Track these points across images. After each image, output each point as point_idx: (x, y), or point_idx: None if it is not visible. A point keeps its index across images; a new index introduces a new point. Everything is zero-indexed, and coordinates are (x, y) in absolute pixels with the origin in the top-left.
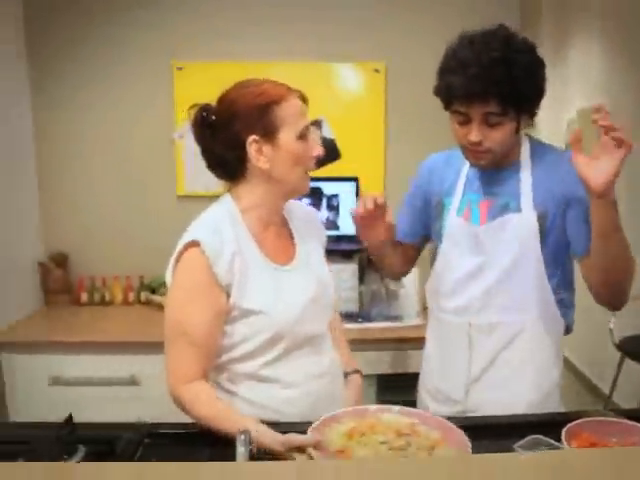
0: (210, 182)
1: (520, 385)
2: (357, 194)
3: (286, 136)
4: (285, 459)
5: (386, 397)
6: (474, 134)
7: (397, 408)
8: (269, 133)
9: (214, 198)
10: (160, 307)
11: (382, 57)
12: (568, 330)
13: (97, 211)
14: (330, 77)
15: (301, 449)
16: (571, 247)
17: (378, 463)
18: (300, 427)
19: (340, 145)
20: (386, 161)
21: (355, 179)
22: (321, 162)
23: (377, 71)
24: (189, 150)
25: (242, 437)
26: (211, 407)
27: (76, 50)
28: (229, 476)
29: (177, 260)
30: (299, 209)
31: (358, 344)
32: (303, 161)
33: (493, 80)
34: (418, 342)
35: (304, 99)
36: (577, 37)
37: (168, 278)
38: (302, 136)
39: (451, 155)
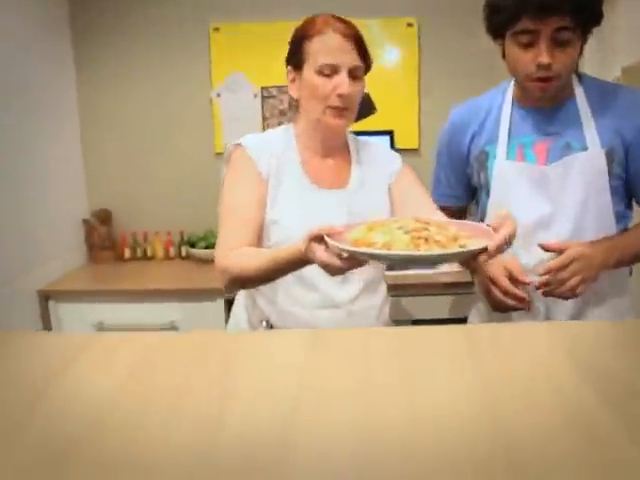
0: None
1: None
2: (392, 147)
3: (308, 69)
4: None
5: None
6: (544, 55)
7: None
8: (298, 66)
9: None
10: (200, 261)
11: (414, 11)
12: (630, 274)
13: (138, 169)
14: (363, 32)
15: (321, 240)
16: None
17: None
18: None
19: (375, 99)
20: (420, 114)
21: (390, 132)
22: (357, 116)
23: (410, 25)
24: (226, 109)
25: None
26: (257, 255)
27: (117, 7)
28: (246, 342)
29: (227, 162)
30: (371, 145)
31: (393, 290)
32: (322, 96)
33: None
34: (454, 287)
35: (347, 35)
36: None
37: (224, 170)
38: (322, 72)
39: (481, 101)
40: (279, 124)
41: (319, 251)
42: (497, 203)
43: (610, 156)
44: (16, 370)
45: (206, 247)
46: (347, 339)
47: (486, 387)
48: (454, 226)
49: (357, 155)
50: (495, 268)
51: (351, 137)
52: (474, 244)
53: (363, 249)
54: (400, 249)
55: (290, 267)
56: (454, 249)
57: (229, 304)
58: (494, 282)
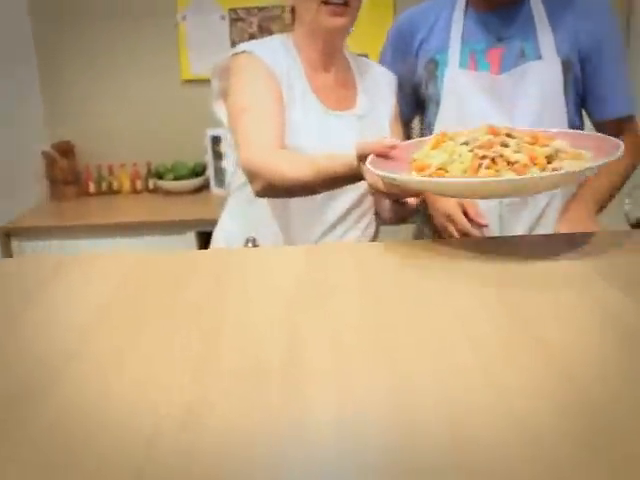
0: None
1: None
2: None
3: None
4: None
5: None
6: None
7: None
8: None
9: None
10: (169, 193)
11: None
12: None
13: (101, 98)
14: None
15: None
16: (591, 109)
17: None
18: None
19: None
20: None
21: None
22: None
23: None
24: (192, 33)
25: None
26: (307, 164)
27: None
28: (239, 259)
29: (229, 68)
30: (372, 67)
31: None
32: None
33: None
34: None
35: None
36: None
37: (215, 85)
38: None
39: (429, 7)
40: None
41: (368, 172)
42: (448, 116)
43: (566, 65)
44: None
45: (174, 179)
46: (340, 250)
47: (503, 291)
48: (565, 139)
49: (361, 77)
50: (450, 204)
51: (350, 54)
52: (573, 166)
53: (396, 176)
54: (455, 174)
55: (343, 182)
56: (524, 176)
57: (200, 237)
58: (451, 219)
